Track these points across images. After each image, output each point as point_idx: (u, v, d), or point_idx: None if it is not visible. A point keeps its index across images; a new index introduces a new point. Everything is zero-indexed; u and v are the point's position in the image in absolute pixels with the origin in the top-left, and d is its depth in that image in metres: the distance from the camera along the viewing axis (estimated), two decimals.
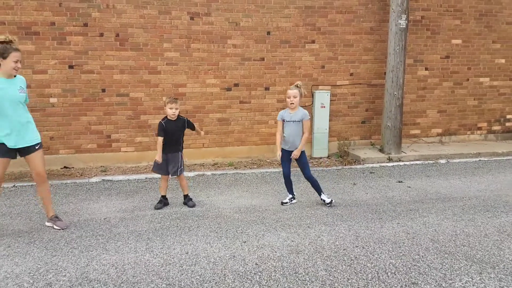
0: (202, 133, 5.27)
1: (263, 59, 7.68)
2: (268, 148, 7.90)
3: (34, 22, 6.54)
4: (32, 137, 4.14)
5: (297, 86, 4.97)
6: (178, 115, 4.95)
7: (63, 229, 4.28)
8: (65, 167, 6.90)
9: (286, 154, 5.11)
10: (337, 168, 7.25)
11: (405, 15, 7.52)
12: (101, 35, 6.84)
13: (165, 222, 4.51)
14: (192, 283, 3.21)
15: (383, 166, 7.33)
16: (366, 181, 6.32)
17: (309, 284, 3.16)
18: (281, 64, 7.79)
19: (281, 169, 7.09)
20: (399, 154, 7.83)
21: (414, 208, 5.01)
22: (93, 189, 5.81)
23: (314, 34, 7.89)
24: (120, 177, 6.43)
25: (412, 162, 7.55)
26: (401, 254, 3.72)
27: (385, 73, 8.00)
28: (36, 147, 4.16)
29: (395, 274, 3.33)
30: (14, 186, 5.94)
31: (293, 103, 4.91)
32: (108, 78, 6.96)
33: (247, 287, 3.13)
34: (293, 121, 4.96)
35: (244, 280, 3.24)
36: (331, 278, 3.26)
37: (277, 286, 3.14)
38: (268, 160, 7.75)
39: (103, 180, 6.28)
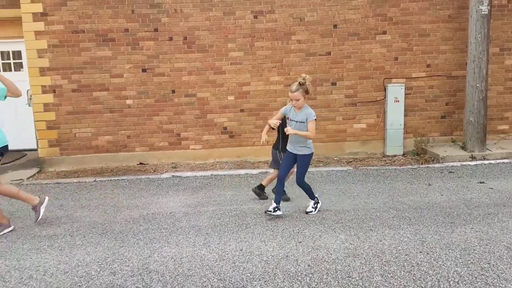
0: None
1: (329, 53, 7.47)
2: (336, 145, 7.68)
3: (110, 29, 7.04)
4: None
5: (300, 84, 4.26)
6: None
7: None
8: (140, 163, 7.35)
9: (290, 156, 4.59)
10: (412, 167, 6.81)
11: (487, 0, 6.83)
12: (170, 39, 7.16)
13: (224, 219, 4.59)
14: (242, 279, 3.22)
15: (465, 165, 6.74)
16: (443, 182, 5.86)
17: None
18: (349, 57, 7.52)
19: (349, 168, 6.91)
20: (483, 151, 7.16)
21: (493, 212, 4.53)
22: (163, 184, 6.11)
23: (386, 24, 7.49)
24: (188, 174, 6.69)
25: (498, 161, 6.84)
26: (469, 262, 3.39)
27: (466, 63, 7.35)
28: None
29: (458, 283, 3.04)
30: (95, 180, 6.46)
31: (296, 105, 4.37)
32: (177, 79, 7.27)
33: None
34: (296, 121, 4.40)
35: (293, 280, 3.17)
36: (386, 284, 3.06)
37: None
38: (335, 158, 7.54)
39: (173, 176, 6.58)
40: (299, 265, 3.41)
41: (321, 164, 7.18)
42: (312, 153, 4.59)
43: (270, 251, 3.71)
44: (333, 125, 7.66)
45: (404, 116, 7.61)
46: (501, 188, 5.39)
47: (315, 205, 4.72)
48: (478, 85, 7.10)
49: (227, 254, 3.67)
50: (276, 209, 4.49)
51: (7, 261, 3.67)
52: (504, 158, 6.95)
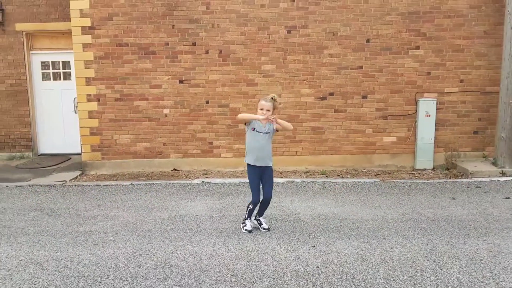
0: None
1: (361, 67, 7.64)
2: (365, 157, 7.79)
3: (151, 43, 7.59)
4: None
5: (273, 99, 4.38)
6: None
7: None
8: (174, 169, 7.79)
9: (257, 172, 4.48)
10: (440, 181, 6.82)
11: None
12: (207, 52, 7.60)
13: None
14: (253, 276, 3.48)
15: (494, 180, 6.67)
16: (468, 196, 5.85)
17: None
18: (381, 71, 7.65)
19: (376, 180, 6.98)
20: None
21: (511, 227, 4.53)
22: (193, 189, 6.49)
23: (419, 40, 7.57)
24: (218, 180, 7.03)
25: None
26: (472, 270, 3.47)
27: (500, 80, 7.28)
28: None
29: None
30: (131, 184, 6.94)
31: (265, 115, 4.33)
32: (212, 91, 7.69)
33: (302, 285, 3.29)
34: (263, 133, 4.41)
35: (300, 279, 3.39)
36: (387, 287, 3.21)
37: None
38: (364, 170, 7.64)
39: (203, 182, 6.95)
40: (308, 266, 3.63)
41: (348, 176, 7.31)
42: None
43: (284, 253, 3.94)
44: (362, 137, 7.78)
45: (435, 130, 7.61)
46: None
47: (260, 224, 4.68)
48: (511, 101, 7.03)
49: (243, 254, 3.94)
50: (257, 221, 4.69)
51: (46, 252, 4.11)
52: None
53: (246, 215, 4.61)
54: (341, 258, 3.79)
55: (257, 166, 4.46)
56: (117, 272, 3.63)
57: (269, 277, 3.46)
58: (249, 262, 3.76)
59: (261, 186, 4.52)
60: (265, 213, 4.72)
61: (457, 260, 3.70)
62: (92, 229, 4.76)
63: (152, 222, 4.98)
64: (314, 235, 4.43)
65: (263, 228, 4.61)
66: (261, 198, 4.52)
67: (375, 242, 4.20)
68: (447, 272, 3.45)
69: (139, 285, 3.38)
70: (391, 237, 4.34)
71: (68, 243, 4.34)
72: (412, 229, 4.56)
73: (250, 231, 4.53)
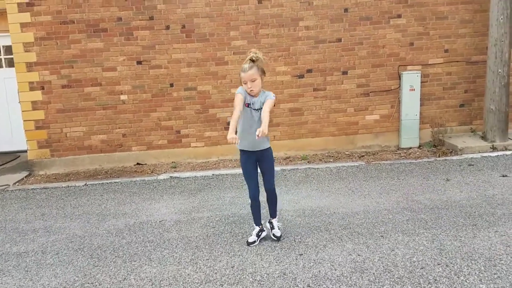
0: None
1: (340, 40, 6.91)
2: (347, 139, 7.14)
3: (102, 19, 6.57)
4: None
5: (252, 60, 3.31)
6: None
7: None
8: (138, 163, 6.93)
9: (252, 158, 3.57)
10: (429, 160, 6.28)
11: None
12: (167, 27, 6.68)
13: (219, 227, 4.13)
14: None
15: (485, 156, 6.20)
16: (462, 176, 5.33)
17: None
18: (361, 44, 6.95)
19: (360, 163, 6.36)
20: (505, 141, 6.62)
21: None
22: (159, 187, 5.69)
23: (400, 7, 6.89)
24: (188, 174, 6.24)
25: None
26: (495, 275, 2.88)
27: (487, 47, 6.73)
28: None
29: None
30: (85, 184, 6.05)
31: (253, 90, 3.35)
32: (176, 72, 6.80)
33: None
34: (253, 109, 3.42)
35: None
36: None
37: None
38: (346, 153, 7.01)
39: (171, 177, 6.14)
40: (297, 286, 2.93)
41: (331, 160, 6.66)
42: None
43: (266, 267, 3.24)
44: (344, 117, 7.12)
45: (420, 105, 7.05)
46: None
47: (260, 234, 3.72)
48: (499, 70, 6.55)
49: (216, 273, 3.21)
50: (261, 232, 3.77)
51: None
52: None
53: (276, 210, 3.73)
54: (335, 270, 3.12)
55: (252, 151, 3.53)
56: None
57: None
58: (222, 285, 3.02)
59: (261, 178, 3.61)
60: (248, 210, 3.88)
61: (473, 262, 3.10)
62: (28, 249, 3.90)
63: (104, 234, 4.15)
64: (300, 237, 3.74)
65: (274, 236, 3.70)
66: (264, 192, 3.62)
67: (372, 242, 3.56)
68: (466, 282, 2.84)
69: None
70: (390, 234, 3.71)
71: None
72: (411, 222, 3.95)
73: (250, 243, 3.62)
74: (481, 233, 3.62)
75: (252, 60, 3.32)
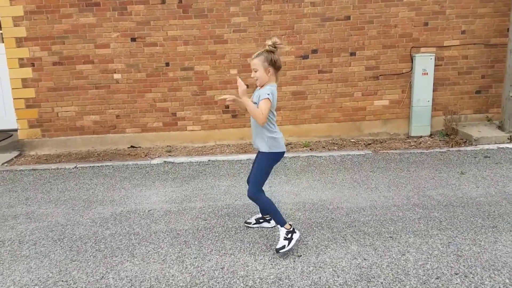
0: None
1: (348, 17, 6.43)
2: (354, 125, 6.73)
3: None
4: None
5: (267, 51, 3.03)
6: None
7: None
8: (132, 146, 6.58)
9: (257, 156, 3.33)
10: (441, 150, 5.87)
11: None
12: (163, 2, 6.22)
13: (211, 220, 3.78)
14: None
15: (502, 148, 5.79)
16: (478, 169, 4.93)
17: None
18: (371, 22, 6.46)
19: (367, 151, 5.97)
20: None
21: None
22: (151, 172, 5.34)
23: None
24: (183, 159, 5.88)
25: None
26: None
27: (508, 29, 6.22)
28: None
29: None
30: (75, 167, 5.72)
31: (257, 80, 3.10)
32: (172, 50, 6.37)
33: None
34: (253, 101, 3.13)
35: None
36: None
37: None
38: (352, 140, 6.61)
39: (165, 162, 5.79)
40: None
41: (335, 147, 6.27)
42: (273, 153, 3.12)
43: (259, 270, 2.89)
44: (351, 102, 6.69)
45: (433, 91, 6.60)
46: None
47: (289, 235, 3.08)
48: None
49: (203, 275, 2.87)
50: (260, 220, 3.58)
51: None
52: None
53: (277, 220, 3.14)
54: (338, 277, 2.76)
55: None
56: None
57: None
58: None
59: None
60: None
61: (495, 272, 2.73)
62: (6, 237, 3.59)
63: (88, 223, 3.83)
64: (299, 236, 3.38)
65: (263, 226, 3.57)
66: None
67: (380, 244, 3.19)
68: None
69: None
70: (399, 234, 3.35)
71: None
72: (423, 221, 3.58)
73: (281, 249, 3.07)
74: (502, 236, 3.25)
75: (267, 51, 3.03)
